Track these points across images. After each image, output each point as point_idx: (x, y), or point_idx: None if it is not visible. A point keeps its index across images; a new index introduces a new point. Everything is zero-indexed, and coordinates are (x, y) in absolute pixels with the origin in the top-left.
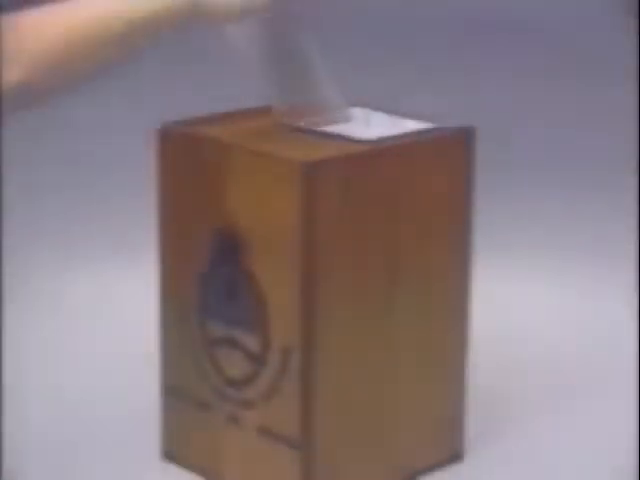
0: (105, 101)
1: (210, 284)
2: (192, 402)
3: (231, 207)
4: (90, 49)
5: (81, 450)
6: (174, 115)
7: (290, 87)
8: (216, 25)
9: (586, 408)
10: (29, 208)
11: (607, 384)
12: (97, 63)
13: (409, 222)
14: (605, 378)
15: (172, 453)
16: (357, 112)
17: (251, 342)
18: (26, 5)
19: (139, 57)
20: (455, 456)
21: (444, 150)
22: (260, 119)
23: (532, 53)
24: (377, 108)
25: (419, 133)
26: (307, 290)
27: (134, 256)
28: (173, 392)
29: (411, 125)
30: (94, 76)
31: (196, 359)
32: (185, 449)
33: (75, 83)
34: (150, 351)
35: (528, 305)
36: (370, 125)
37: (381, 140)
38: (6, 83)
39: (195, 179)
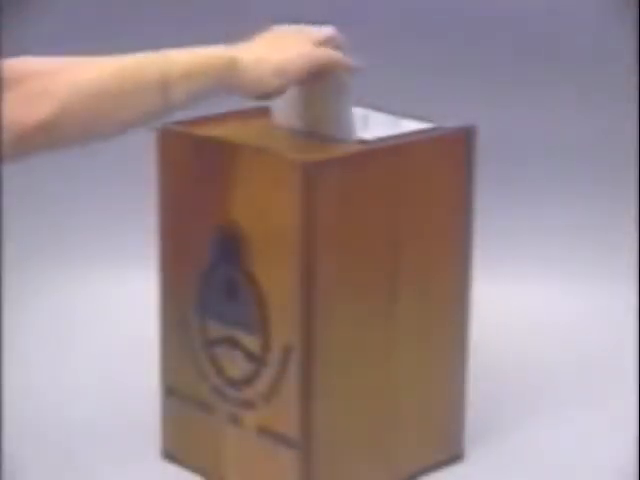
0: None
1: (210, 284)
2: (192, 402)
3: (231, 207)
4: (121, 98)
5: (81, 450)
6: (174, 115)
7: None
8: (250, 96)
9: (586, 408)
10: (28, 207)
11: (607, 385)
12: (127, 113)
13: (410, 222)
14: (605, 379)
15: (172, 453)
16: (357, 112)
17: (251, 342)
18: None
19: (169, 115)
20: (455, 456)
21: (444, 150)
22: (260, 119)
23: (531, 53)
24: (377, 108)
25: (419, 133)
26: (307, 290)
27: (134, 255)
28: (173, 392)
29: (411, 125)
30: (124, 127)
31: (196, 359)
32: (185, 449)
33: (103, 130)
34: (150, 351)
35: (529, 305)
36: (370, 125)
37: (381, 140)
38: (33, 121)
39: (195, 179)
